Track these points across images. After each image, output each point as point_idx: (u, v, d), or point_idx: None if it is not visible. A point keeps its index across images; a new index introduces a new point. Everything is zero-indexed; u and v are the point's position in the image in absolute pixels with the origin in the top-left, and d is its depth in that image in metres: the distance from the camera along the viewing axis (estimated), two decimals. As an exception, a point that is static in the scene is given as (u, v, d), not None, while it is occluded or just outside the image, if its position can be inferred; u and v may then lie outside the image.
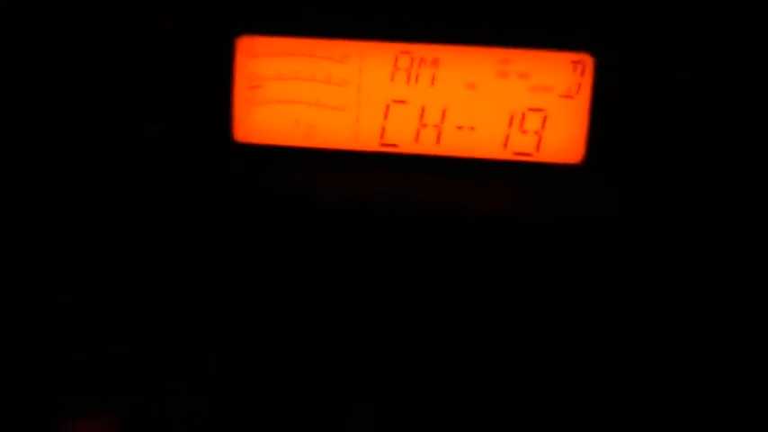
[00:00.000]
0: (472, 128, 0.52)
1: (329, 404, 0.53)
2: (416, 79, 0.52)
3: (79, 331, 0.54)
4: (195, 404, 0.54)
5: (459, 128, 0.52)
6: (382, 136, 0.53)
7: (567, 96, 0.51)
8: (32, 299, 0.54)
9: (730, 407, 0.50)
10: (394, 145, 0.53)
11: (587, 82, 0.51)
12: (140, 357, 0.54)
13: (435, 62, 0.52)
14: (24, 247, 0.54)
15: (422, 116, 0.53)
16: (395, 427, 0.52)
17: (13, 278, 0.54)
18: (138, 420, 0.53)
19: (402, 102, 0.53)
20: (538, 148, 0.52)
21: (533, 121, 0.52)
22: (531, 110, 0.52)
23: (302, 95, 0.53)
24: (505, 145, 0.52)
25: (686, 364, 0.51)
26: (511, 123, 0.52)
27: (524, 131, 0.52)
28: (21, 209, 0.54)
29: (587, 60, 0.51)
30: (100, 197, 0.54)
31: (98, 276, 0.54)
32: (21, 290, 0.54)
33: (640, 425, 0.51)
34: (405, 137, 0.53)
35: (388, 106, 0.53)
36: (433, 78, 0.52)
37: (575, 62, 0.51)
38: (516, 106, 0.52)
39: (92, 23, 0.53)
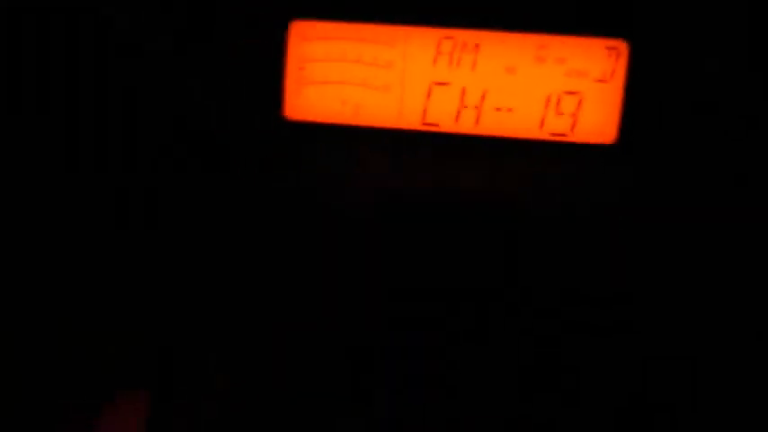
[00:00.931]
0: (510, 109, 0.55)
1: (339, 403, 0.54)
2: (458, 63, 0.55)
3: (79, 331, 0.55)
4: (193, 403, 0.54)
5: (498, 109, 0.55)
6: (424, 116, 0.56)
7: (602, 81, 0.54)
8: (32, 299, 0.55)
9: (734, 405, 0.51)
10: (435, 124, 0.56)
11: (621, 67, 0.53)
12: (139, 357, 0.55)
13: (476, 47, 0.55)
14: (24, 247, 0.55)
15: (462, 98, 0.55)
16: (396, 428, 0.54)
17: (12, 278, 0.55)
18: (138, 419, 0.54)
19: (444, 84, 0.56)
20: (573, 129, 0.54)
21: (569, 104, 0.54)
22: (566, 93, 0.54)
23: (349, 77, 0.57)
24: (542, 126, 0.55)
25: (686, 367, 0.52)
26: (547, 105, 0.54)
27: (560, 113, 0.54)
28: (22, 209, 0.55)
29: (622, 46, 0.53)
30: (99, 197, 0.55)
31: (98, 277, 0.55)
32: (21, 290, 0.55)
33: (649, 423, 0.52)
34: (446, 117, 0.56)
35: (430, 88, 0.56)
36: (473, 62, 0.55)
37: (609, 48, 0.53)
38: (553, 89, 0.54)
39: (92, 23, 0.54)
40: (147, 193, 0.55)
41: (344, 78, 0.57)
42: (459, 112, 0.56)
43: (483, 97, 0.55)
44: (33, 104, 0.54)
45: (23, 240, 0.55)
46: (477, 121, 0.56)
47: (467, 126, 0.56)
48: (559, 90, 0.54)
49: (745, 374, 0.51)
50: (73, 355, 0.54)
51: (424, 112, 0.56)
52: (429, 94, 0.56)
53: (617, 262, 0.52)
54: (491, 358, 0.53)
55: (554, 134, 0.55)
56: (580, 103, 0.54)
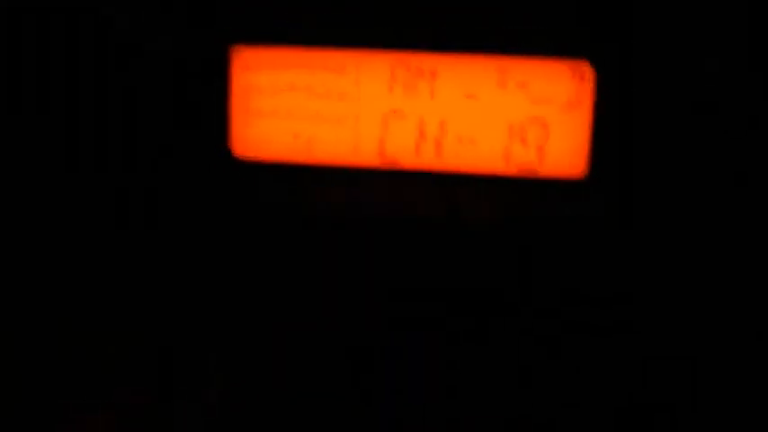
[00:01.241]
0: (473, 140, 0.52)
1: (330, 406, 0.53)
2: (415, 90, 0.52)
3: (79, 331, 0.54)
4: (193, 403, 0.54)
5: (460, 140, 0.52)
6: (382, 149, 0.53)
7: (568, 107, 0.50)
8: (32, 299, 0.54)
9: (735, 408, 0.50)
10: (393, 159, 0.53)
11: (588, 91, 0.50)
12: (139, 357, 0.54)
13: (433, 73, 0.51)
14: (24, 247, 0.55)
15: (421, 128, 0.52)
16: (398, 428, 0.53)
17: (13, 278, 0.54)
18: (138, 419, 0.53)
19: (401, 113, 0.52)
20: (540, 160, 0.51)
21: (534, 133, 0.51)
22: (531, 120, 0.51)
23: (300, 108, 0.53)
24: (508, 158, 0.52)
25: (687, 367, 0.51)
26: (511, 135, 0.51)
27: (525, 144, 0.51)
28: (21, 209, 0.54)
29: (586, 69, 0.50)
30: (99, 197, 0.54)
31: (98, 277, 0.55)
32: (21, 290, 0.54)
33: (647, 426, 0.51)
34: (405, 151, 0.53)
35: (386, 118, 0.52)
36: (431, 89, 0.51)
37: (574, 70, 0.50)
38: (516, 117, 0.51)
39: (92, 23, 0.52)
40: (146, 194, 0.54)
41: (295, 111, 0.53)
42: (418, 145, 0.52)
43: (443, 127, 0.52)
44: (33, 104, 0.53)
45: (23, 240, 0.55)
46: (439, 153, 0.52)
47: (427, 160, 0.53)
48: (523, 117, 0.51)
49: (743, 375, 0.50)
50: (73, 355, 0.54)
51: (382, 144, 0.53)
52: (386, 125, 0.52)
53: (585, 300, 0.50)
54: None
55: (521, 167, 0.52)
56: (546, 132, 0.51)
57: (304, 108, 0.53)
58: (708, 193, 0.49)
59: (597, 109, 0.50)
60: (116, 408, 0.53)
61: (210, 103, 0.53)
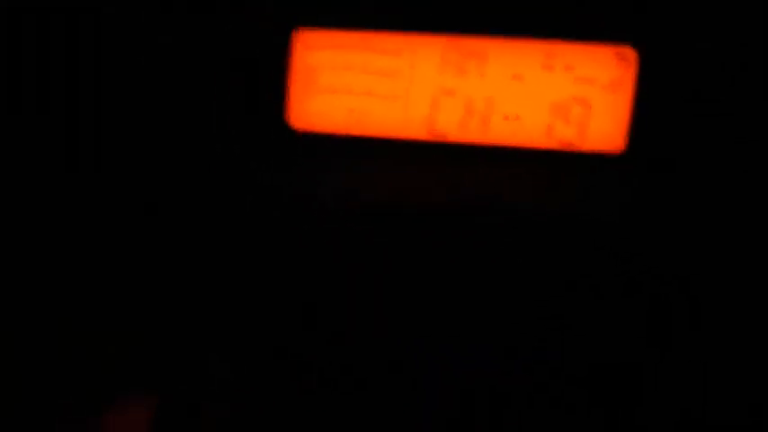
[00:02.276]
0: (518, 117, 0.54)
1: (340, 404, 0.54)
2: (464, 71, 0.55)
3: (82, 331, 0.55)
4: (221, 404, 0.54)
5: (506, 117, 0.55)
6: (431, 125, 0.55)
7: (611, 88, 0.53)
8: (33, 299, 0.55)
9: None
10: (441, 134, 0.55)
11: (630, 74, 0.53)
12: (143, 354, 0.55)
13: (483, 55, 0.54)
14: (28, 247, 0.55)
15: (469, 106, 0.55)
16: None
17: (13, 278, 0.55)
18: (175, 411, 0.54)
19: (450, 92, 0.55)
20: (581, 137, 0.54)
21: (577, 112, 0.54)
22: (574, 100, 0.54)
23: (355, 86, 0.56)
24: (550, 134, 0.54)
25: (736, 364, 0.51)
26: (555, 113, 0.54)
27: (568, 122, 0.54)
28: (22, 209, 0.55)
29: (630, 53, 0.52)
30: (100, 194, 0.55)
31: (100, 275, 0.55)
32: (21, 290, 0.55)
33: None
34: (452, 126, 0.55)
35: (436, 97, 0.55)
36: (480, 70, 0.54)
37: (618, 55, 0.53)
38: (560, 97, 0.54)
39: (92, 23, 0.54)
40: (148, 195, 0.55)
41: (350, 87, 0.56)
42: (465, 121, 0.55)
43: (490, 105, 0.55)
44: (33, 104, 0.54)
45: (23, 240, 0.55)
46: (485, 129, 0.55)
47: (474, 135, 0.55)
48: (567, 98, 0.54)
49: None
50: (73, 356, 0.54)
51: (431, 120, 0.56)
52: (435, 103, 0.55)
53: (623, 273, 0.51)
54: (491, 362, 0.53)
55: (562, 142, 0.54)
56: (588, 110, 0.53)
57: (359, 86, 0.56)
58: (742, 173, 0.51)
59: (638, 90, 0.52)
60: (122, 409, 0.54)
61: (273, 80, 0.57)
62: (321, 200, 0.55)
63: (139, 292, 0.55)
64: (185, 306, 0.55)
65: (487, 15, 0.54)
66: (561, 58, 0.54)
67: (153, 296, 0.55)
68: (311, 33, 0.56)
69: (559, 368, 0.53)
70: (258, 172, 0.57)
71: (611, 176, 0.53)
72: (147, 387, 0.55)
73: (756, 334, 0.51)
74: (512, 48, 0.54)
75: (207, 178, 0.57)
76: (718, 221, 0.51)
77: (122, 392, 0.54)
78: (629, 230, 0.52)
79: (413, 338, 0.54)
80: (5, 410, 0.53)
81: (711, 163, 0.52)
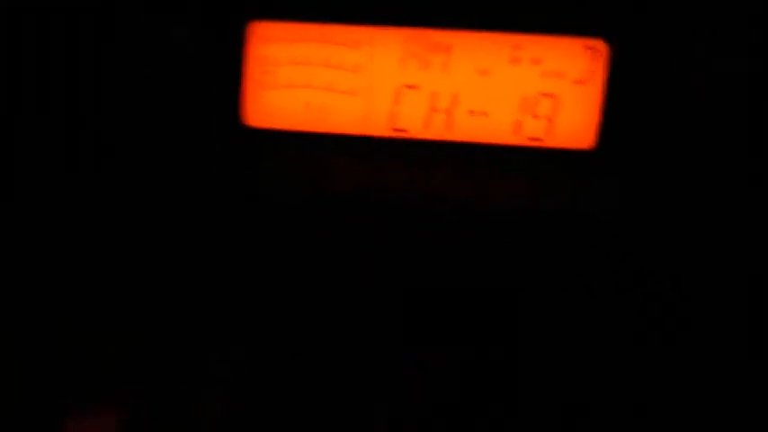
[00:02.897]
0: (484, 113, 0.52)
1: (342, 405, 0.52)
2: (428, 65, 0.52)
3: (79, 331, 0.54)
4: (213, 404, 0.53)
5: (471, 113, 0.52)
6: (393, 121, 0.53)
7: (580, 82, 0.51)
8: (33, 299, 0.54)
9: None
10: (404, 130, 0.53)
11: (600, 68, 0.50)
12: (144, 356, 0.54)
13: (447, 48, 0.52)
14: (26, 248, 0.54)
15: (433, 101, 0.52)
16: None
17: (13, 278, 0.54)
18: (142, 420, 0.53)
19: (413, 87, 0.52)
20: (549, 133, 0.51)
21: (545, 107, 0.51)
22: (543, 95, 0.51)
23: (314, 80, 0.53)
24: (517, 130, 0.52)
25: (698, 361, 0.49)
26: (523, 109, 0.51)
27: (536, 116, 0.52)
28: (21, 209, 0.54)
29: (600, 46, 0.50)
30: (100, 194, 0.54)
31: (100, 275, 0.54)
32: (21, 290, 0.54)
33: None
34: (415, 122, 0.53)
35: (399, 91, 0.52)
36: (444, 64, 0.52)
37: (588, 48, 0.50)
38: (528, 91, 0.51)
39: (92, 22, 0.53)
40: (144, 193, 0.54)
41: (308, 82, 0.53)
42: (429, 117, 0.52)
43: (455, 101, 0.52)
44: (33, 104, 0.53)
45: (24, 240, 0.54)
46: (449, 125, 0.52)
47: (438, 131, 0.53)
48: (535, 92, 0.51)
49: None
50: (73, 355, 0.53)
51: (393, 116, 0.53)
52: (398, 98, 0.53)
53: (592, 268, 0.49)
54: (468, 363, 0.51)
55: (530, 138, 0.52)
56: (557, 105, 0.51)
57: (317, 80, 0.53)
58: (711, 168, 0.49)
59: (609, 85, 0.50)
60: (118, 406, 0.53)
61: (225, 74, 0.54)
62: (278, 198, 0.52)
63: (139, 293, 0.54)
64: (185, 307, 0.54)
65: (452, 6, 0.51)
66: (529, 51, 0.51)
67: (152, 296, 0.54)
68: (266, 25, 0.53)
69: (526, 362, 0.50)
70: (214, 171, 0.53)
71: (580, 173, 0.51)
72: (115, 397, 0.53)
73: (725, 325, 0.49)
74: (477, 40, 0.51)
75: (164, 177, 0.54)
76: (689, 216, 0.49)
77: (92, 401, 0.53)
78: (599, 227, 0.50)
79: (376, 332, 0.52)
80: (5, 410, 0.52)
81: (682, 158, 0.50)
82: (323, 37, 0.53)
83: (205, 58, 0.53)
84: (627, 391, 0.50)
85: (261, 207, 0.52)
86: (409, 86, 0.53)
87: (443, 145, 0.53)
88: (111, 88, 0.54)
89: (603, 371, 0.50)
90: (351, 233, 0.51)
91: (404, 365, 0.52)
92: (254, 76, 0.54)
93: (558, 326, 0.50)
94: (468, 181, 0.52)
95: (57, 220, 0.54)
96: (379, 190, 0.51)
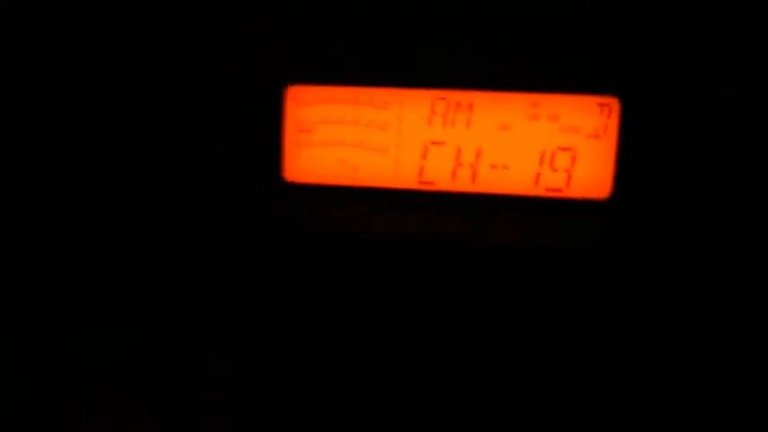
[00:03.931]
0: (506, 166, 0.56)
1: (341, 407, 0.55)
2: (453, 123, 0.56)
3: (81, 331, 0.56)
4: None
5: (494, 167, 0.56)
6: (421, 174, 0.57)
7: (595, 136, 0.55)
8: (33, 299, 0.56)
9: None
10: (431, 182, 0.57)
11: (614, 123, 0.54)
12: (144, 359, 0.56)
13: (470, 107, 0.56)
14: (28, 248, 0.56)
15: (458, 156, 0.56)
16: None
17: (14, 278, 0.56)
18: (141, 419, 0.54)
19: (439, 143, 0.56)
20: (568, 184, 0.55)
21: (563, 160, 0.55)
22: (560, 149, 0.55)
23: (347, 138, 0.58)
24: (537, 182, 0.55)
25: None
26: (542, 162, 0.55)
27: (555, 169, 0.55)
28: (22, 209, 0.56)
29: (613, 103, 0.54)
30: (102, 196, 0.56)
31: (112, 279, 0.56)
32: (22, 290, 0.56)
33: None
34: (442, 175, 0.57)
35: (426, 147, 0.57)
36: (468, 121, 0.56)
37: (601, 104, 0.54)
38: (547, 146, 0.55)
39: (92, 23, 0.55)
40: (146, 196, 0.56)
41: (342, 140, 0.58)
42: (455, 171, 0.56)
43: (478, 155, 0.56)
44: (33, 104, 0.55)
45: (24, 241, 0.56)
46: (473, 178, 0.56)
47: (463, 184, 0.56)
48: (553, 146, 0.55)
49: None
50: (73, 355, 0.54)
51: (421, 170, 0.57)
52: (425, 154, 0.57)
53: (611, 315, 0.52)
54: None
55: (549, 189, 0.55)
56: (574, 158, 0.55)
57: (350, 138, 0.58)
58: (724, 216, 0.52)
59: (622, 138, 0.54)
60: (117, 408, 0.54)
61: (267, 134, 0.58)
62: (316, 247, 0.56)
63: (139, 293, 0.56)
64: (185, 308, 0.56)
65: (473, 69, 0.56)
66: (546, 109, 0.55)
67: (153, 297, 0.56)
68: (302, 89, 0.58)
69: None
70: (257, 222, 0.57)
71: (597, 221, 0.54)
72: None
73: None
74: (497, 99, 0.56)
75: (207, 232, 0.58)
76: (699, 260, 0.52)
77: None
78: (615, 270, 0.53)
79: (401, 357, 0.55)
80: (5, 410, 0.53)
81: (692, 206, 0.53)
82: (355, 99, 0.57)
83: (248, 119, 0.58)
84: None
85: (300, 255, 0.56)
86: (435, 143, 0.57)
87: (468, 196, 0.56)
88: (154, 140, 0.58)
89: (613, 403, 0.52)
90: (381, 277, 0.55)
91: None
92: (291, 135, 0.58)
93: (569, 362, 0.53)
94: (491, 229, 0.55)
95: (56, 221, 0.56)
96: (408, 238, 0.55)
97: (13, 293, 0.56)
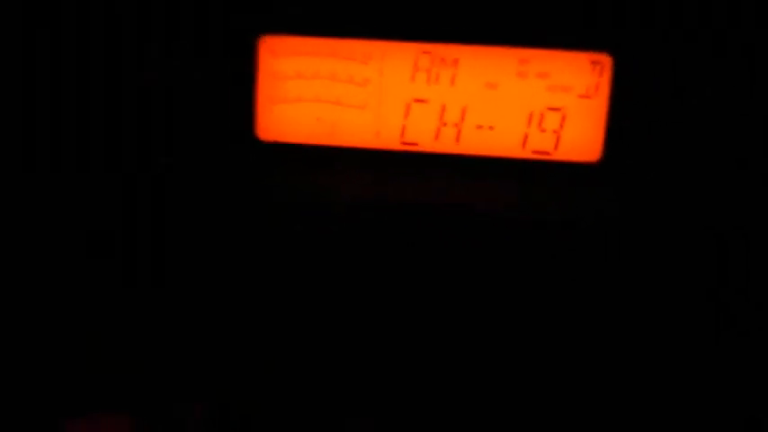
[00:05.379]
0: (491, 127, 0.53)
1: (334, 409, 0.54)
2: (437, 79, 0.53)
3: (88, 333, 0.55)
4: (197, 405, 0.54)
5: (479, 127, 0.53)
6: (403, 134, 0.54)
7: (586, 96, 0.52)
8: (33, 306, 0.54)
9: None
10: (414, 143, 0.54)
11: (606, 82, 0.52)
12: (150, 359, 0.55)
13: (455, 62, 0.53)
14: (34, 248, 0.55)
15: (442, 115, 0.53)
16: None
17: (13, 282, 0.54)
18: (155, 421, 0.53)
19: (422, 101, 0.53)
20: (556, 146, 0.53)
21: (552, 121, 0.53)
22: (549, 109, 0.52)
23: (324, 94, 0.54)
24: (524, 144, 0.53)
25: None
26: (530, 123, 0.53)
27: (543, 130, 0.53)
28: (22, 211, 0.54)
29: (606, 60, 0.51)
30: (108, 195, 0.54)
31: (107, 277, 0.55)
32: (21, 296, 0.54)
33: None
34: (425, 135, 0.54)
35: (408, 105, 0.54)
36: (453, 78, 0.53)
37: (593, 62, 0.52)
38: (535, 106, 0.53)
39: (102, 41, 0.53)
40: (157, 200, 0.54)
41: (319, 96, 0.54)
42: (438, 130, 0.54)
43: (463, 114, 0.53)
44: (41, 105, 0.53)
45: (25, 244, 0.54)
46: (458, 139, 0.54)
47: (447, 145, 0.54)
48: (542, 106, 0.53)
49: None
50: (73, 362, 0.54)
51: (403, 130, 0.54)
52: (407, 112, 0.54)
53: (599, 282, 0.51)
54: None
55: (537, 152, 0.53)
56: (563, 119, 0.52)
57: (328, 94, 0.54)
58: (716, 181, 0.50)
59: (614, 98, 0.51)
60: (130, 409, 0.53)
61: (238, 88, 0.55)
62: (290, 209, 0.53)
63: (140, 299, 0.55)
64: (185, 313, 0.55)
65: (460, 22, 0.52)
66: (535, 66, 0.52)
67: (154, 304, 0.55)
68: (277, 39, 0.54)
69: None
70: (226, 183, 0.54)
71: (586, 184, 0.52)
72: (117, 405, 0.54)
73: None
74: (485, 54, 0.53)
75: (177, 189, 0.55)
76: (692, 229, 0.51)
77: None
78: (604, 237, 0.51)
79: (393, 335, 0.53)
80: (5, 416, 0.52)
81: (684, 170, 0.51)
82: (333, 51, 0.54)
83: (218, 72, 0.54)
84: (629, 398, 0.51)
85: (273, 217, 0.53)
86: (418, 100, 0.54)
87: (452, 158, 0.54)
88: (125, 102, 0.54)
89: (603, 378, 0.52)
90: (359, 241, 0.53)
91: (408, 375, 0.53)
92: (265, 90, 0.55)
93: (560, 331, 0.52)
94: (475, 192, 0.53)
95: (67, 223, 0.55)
96: (388, 201, 0.53)
97: (12, 298, 0.54)
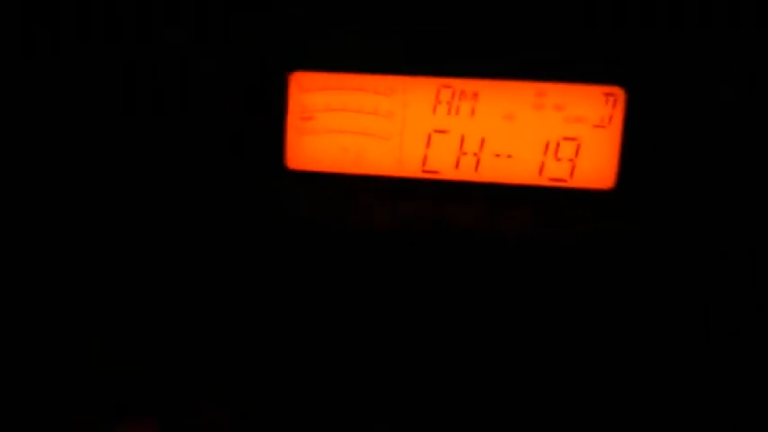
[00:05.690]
0: (509, 156, 0.55)
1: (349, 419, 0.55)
2: (457, 111, 0.56)
3: (106, 337, 0.56)
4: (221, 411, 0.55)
5: (497, 156, 0.56)
6: (424, 163, 0.57)
7: (600, 126, 0.54)
8: (36, 308, 0.55)
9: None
10: (435, 171, 0.57)
11: (619, 113, 0.54)
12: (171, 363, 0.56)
13: (475, 95, 0.56)
14: (52, 251, 0.56)
15: (462, 145, 0.56)
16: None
17: (15, 284, 0.55)
18: (181, 426, 0.54)
19: (443, 131, 0.56)
20: (571, 174, 0.55)
21: (567, 150, 0.55)
22: (565, 139, 0.55)
23: (350, 126, 0.57)
24: (541, 171, 0.55)
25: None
26: (546, 151, 0.55)
27: (559, 159, 0.55)
28: (22, 211, 0.56)
29: (618, 93, 0.54)
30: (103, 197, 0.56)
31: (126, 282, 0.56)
32: (24, 297, 0.55)
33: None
34: (445, 164, 0.56)
35: (430, 136, 0.56)
36: (472, 110, 0.56)
37: (607, 94, 0.54)
38: (551, 135, 0.55)
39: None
40: (146, 184, 0.56)
41: (345, 128, 0.57)
42: (458, 159, 0.56)
43: (482, 144, 0.56)
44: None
45: (25, 245, 0.55)
46: (477, 167, 0.56)
47: (466, 173, 0.56)
48: (558, 136, 0.55)
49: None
50: (77, 364, 0.55)
51: (425, 159, 0.57)
52: (429, 142, 0.56)
53: (613, 306, 0.52)
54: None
55: (553, 179, 0.55)
56: (578, 148, 0.55)
57: (353, 126, 0.57)
58: (729, 208, 0.52)
59: (626, 128, 0.53)
60: (159, 412, 0.54)
61: (269, 121, 0.58)
62: (318, 235, 0.56)
63: (143, 301, 0.56)
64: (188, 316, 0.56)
65: (479, 57, 0.55)
66: (551, 98, 0.55)
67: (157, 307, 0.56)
68: (306, 75, 0.57)
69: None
70: (257, 209, 0.57)
71: (600, 211, 0.54)
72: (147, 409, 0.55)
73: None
74: (503, 88, 0.55)
75: (211, 214, 0.57)
76: (706, 255, 0.52)
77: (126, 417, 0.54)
78: (618, 262, 0.53)
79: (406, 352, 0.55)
80: (11, 423, 0.53)
81: (698, 197, 0.53)
82: (359, 86, 0.57)
83: (250, 106, 0.57)
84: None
85: (302, 243, 0.56)
86: (439, 131, 0.56)
87: (472, 185, 0.56)
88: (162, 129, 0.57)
89: (620, 402, 0.52)
90: (382, 264, 0.55)
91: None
92: (294, 122, 0.58)
93: (576, 355, 0.53)
94: (494, 218, 0.55)
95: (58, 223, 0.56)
96: (411, 227, 0.55)
97: (10, 290, 0.55)
